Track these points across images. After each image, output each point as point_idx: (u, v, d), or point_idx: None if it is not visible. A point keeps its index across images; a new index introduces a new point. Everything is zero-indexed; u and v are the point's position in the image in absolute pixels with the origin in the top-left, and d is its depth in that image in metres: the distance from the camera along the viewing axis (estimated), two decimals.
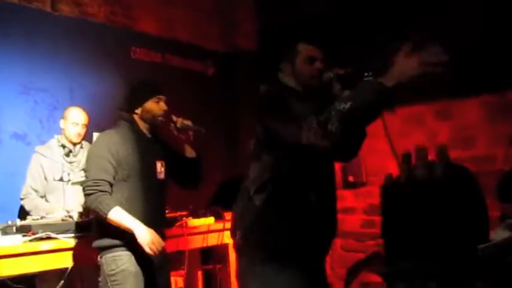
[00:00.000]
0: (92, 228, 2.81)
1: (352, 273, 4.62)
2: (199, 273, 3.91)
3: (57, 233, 2.83)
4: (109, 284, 2.64)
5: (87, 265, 2.96)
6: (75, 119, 3.61)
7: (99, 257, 2.70)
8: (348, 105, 1.79)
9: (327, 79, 2.14)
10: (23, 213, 3.47)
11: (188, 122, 2.99)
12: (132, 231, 2.59)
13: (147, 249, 2.59)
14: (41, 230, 2.80)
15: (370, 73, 1.89)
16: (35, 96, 4.10)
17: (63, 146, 3.59)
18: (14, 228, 2.81)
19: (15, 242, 2.69)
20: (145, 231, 2.60)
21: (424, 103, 4.40)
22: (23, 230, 2.81)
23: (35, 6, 4.17)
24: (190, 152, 3.01)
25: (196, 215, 3.67)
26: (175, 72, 5.12)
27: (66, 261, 2.81)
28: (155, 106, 2.83)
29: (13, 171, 3.85)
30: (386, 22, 4.40)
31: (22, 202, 3.52)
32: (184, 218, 3.46)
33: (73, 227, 2.94)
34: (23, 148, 3.97)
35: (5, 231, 2.77)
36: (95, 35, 4.50)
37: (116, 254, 2.65)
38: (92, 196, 2.60)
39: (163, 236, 2.76)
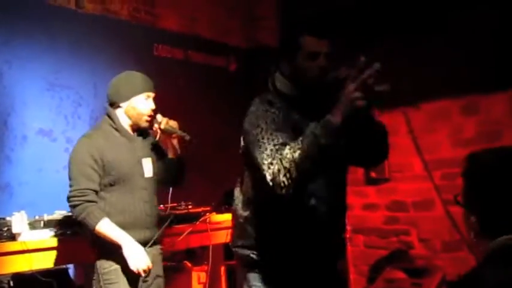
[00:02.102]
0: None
1: (375, 270, 4.60)
2: (223, 268, 3.92)
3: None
4: (101, 283, 2.55)
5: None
6: None
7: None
8: (297, 153, 1.69)
9: (334, 78, 1.90)
10: None
11: (174, 124, 2.75)
12: (119, 245, 2.48)
13: (133, 268, 2.48)
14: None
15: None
16: (60, 93, 4.14)
17: None
18: (42, 222, 2.86)
19: (43, 237, 2.73)
20: (133, 249, 2.49)
21: (449, 98, 4.34)
22: (51, 224, 2.86)
23: (59, 4, 4.21)
24: (173, 153, 2.84)
25: (220, 211, 3.68)
26: (198, 69, 5.13)
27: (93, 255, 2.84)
28: (143, 103, 2.64)
29: (39, 167, 3.91)
30: (407, 19, 4.35)
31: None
32: (207, 214, 3.48)
33: None
34: (49, 144, 4.02)
35: (33, 225, 2.82)
36: (118, 32, 4.54)
37: (109, 252, 2.56)
38: (78, 207, 2.47)
39: (156, 236, 2.69)
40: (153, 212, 2.73)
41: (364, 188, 4.96)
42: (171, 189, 3.03)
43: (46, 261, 2.72)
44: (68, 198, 2.52)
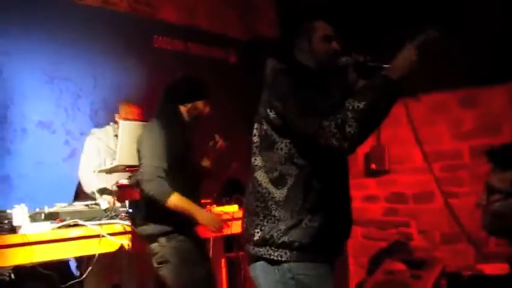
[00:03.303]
0: (139, 215, 2.93)
1: (374, 261, 4.61)
2: (223, 260, 3.93)
3: (85, 220, 2.87)
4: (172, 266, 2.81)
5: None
6: (126, 115, 3.78)
7: (162, 239, 2.81)
8: (362, 104, 1.76)
9: (343, 63, 2.06)
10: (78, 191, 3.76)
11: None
12: (192, 215, 2.78)
13: (212, 229, 2.87)
14: (68, 217, 2.85)
15: (389, 66, 1.88)
16: (60, 85, 4.14)
17: (117, 137, 3.69)
18: (43, 215, 2.86)
19: (44, 229, 2.73)
20: (205, 213, 2.92)
21: (448, 90, 4.34)
22: (51, 217, 2.86)
23: None
24: (206, 162, 3.28)
25: (220, 203, 3.68)
26: (197, 60, 5.12)
27: (93, 248, 2.85)
28: (204, 107, 3.04)
29: (39, 159, 3.91)
30: (410, 11, 4.33)
31: (79, 174, 3.74)
32: (208, 206, 3.48)
33: (100, 214, 2.98)
34: (49, 137, 4.02)
35: (34, 218, 2.81)
36: (118, 24, 4.52)
37: (180, 237, 2.83)
38: (153, 182, 2.72)
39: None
40: (200, 198, 3.11)
41: (364, 180, 4.97)
42: None
43: (47, 253, 2.72)
44: (143, 173, 2.76)
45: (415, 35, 1.88)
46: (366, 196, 4.97)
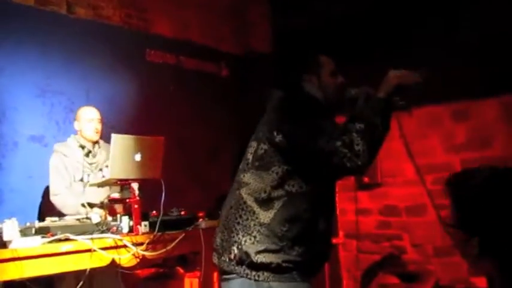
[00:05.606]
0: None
1: (367, 275, 4.60)
2: (216, 274, 3.90)
3: (76, 235, 2.84)
4: None
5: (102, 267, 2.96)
6: (89, 115, 3.65)
7: None
8: (363, 124, 1.89)
9: (352, 96, 2.14)
10: (44, 212, 3.53)
11: None
12: None
13: None
14: (59, 232, 2.81)
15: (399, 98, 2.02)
16: (52, 99, 4.13)
17: (83, 147, 3.61)
18: (33, 229, 2.82)
19: (34, 244, 2.70)
20: None
21: (441, 104, 4.36)
22: (42, 231, 2.82)
23: (51, 9, 4.19)
24: None
25: (213, 217, 3.66)
26: (190, 74, 5.13)
27: (84, 262, 2.82)
28: None
29: (30, 173, 3.89)
30: (399, 31, 4.37)
31: (53, 199, 3.51)
32: (200, 219, 3.47)
33: (91, 229, 2.95)
34: (40, 150, 3.99)
35: (24, 232, 2.77)
36: (111, 38, 4.52)
37: None
38: None
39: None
40: None
41: (356, 193, 4.97)
42: (163, 195, 3.02)
43: (37, 268, 2.68)
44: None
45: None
46: (358, 209, 4.97)
